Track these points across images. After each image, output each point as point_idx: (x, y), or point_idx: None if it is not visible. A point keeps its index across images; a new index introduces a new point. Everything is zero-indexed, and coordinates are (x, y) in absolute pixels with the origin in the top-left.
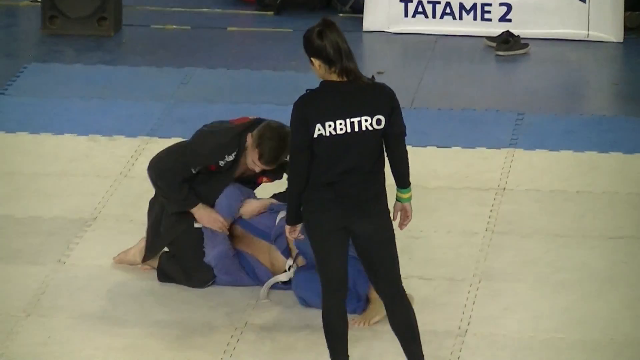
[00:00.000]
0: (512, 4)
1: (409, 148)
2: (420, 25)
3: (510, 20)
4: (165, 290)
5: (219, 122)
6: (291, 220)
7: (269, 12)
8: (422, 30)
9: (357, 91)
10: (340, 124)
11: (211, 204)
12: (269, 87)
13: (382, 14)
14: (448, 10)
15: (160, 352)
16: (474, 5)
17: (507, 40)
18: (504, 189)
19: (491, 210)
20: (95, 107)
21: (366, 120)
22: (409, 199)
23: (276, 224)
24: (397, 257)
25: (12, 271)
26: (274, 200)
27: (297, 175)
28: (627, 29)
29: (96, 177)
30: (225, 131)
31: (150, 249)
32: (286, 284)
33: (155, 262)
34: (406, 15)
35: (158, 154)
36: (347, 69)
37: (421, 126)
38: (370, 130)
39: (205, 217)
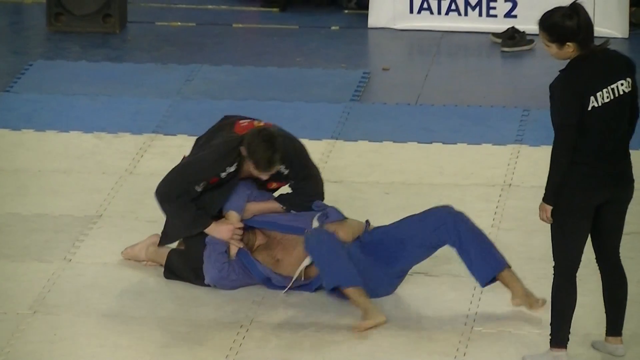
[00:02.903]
0: (517, 0)
1: (413, 145)
2: (426, 21)
3: (515, 17)
4: (171, 287)
5: (224, 125)
6: (552, 199)
7: (274, 9)
8: (427, 27)
9: (607, 59)
10: (607, 92)
11: (218, 211)
12: (275, 83)
13: (388, 10)
14: (453, 7)
15: (166, 350)
16: (480, 2)
17: (513, 36)
18: (510, 185)
19: (497, 207)
20: (100, 104)
21: (622, 84)
22: None
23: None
24: None
25: (18, 269)
26: (277, 205)
27: (567, 154)
28: (632, 25)
29: (102, 174)
30: (225, 142)
31: (169, 237)
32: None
33: (160, 259)
34: (411, 11)
35: (163, 178)
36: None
37: (426, 122)
38: (625, 94)
39: (219, 231)
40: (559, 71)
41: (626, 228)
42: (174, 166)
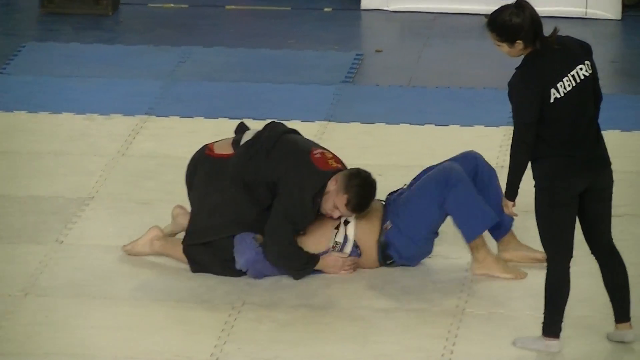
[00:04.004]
0: None
1: (406, 127)
2: (419, 3)
3: None
4: (163, 269)
5: (295, 151)
6: (514, 195)
7: None
8: (420, 8)
9: (561, 47)
10: (567, 80)
11: None
12: (267, 65)
13: None
14: None
15: (158, 331)
16: None
17: None
18: (502, 166)
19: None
20: (93, 86)
21: (581, 69)
22: None
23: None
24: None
25: (10, 251)
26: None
27: (529, 149)
28: (625, 7)
29: (94, 155)
30: (310, 174)
31: (197, 236)
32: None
33: (172, 252)
34: None
35: (266, 237)
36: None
37: (419, 104)
38: (586, 78)
39: (328, 265)
40: (515, 69)
41: (617, 210)
42: (273, 222)
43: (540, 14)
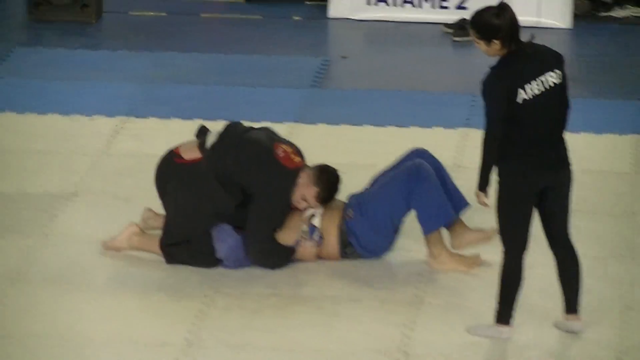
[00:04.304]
0: None
1: (369, 128)
2: (382, 12)
3: (466, 8)
4: (140, 262)
5: (262, 151)
6: (486, 185)
7: (240, 0)
8: (383, 17)
9: (535, 53)
10: (536, 84)
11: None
12: (240, 70)
13: (346, 1)
14: None
15: (136, 318)
16: None
17: (463, 27)
18: (459, 166)
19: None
20: (77, 89)
21: (551, 76)
22: None
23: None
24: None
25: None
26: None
27: (493, 146)
28: (576, 16)
29: (78, 154)
30: (280, 175)
31: (169, 237)
32: None
33: (149, 247)
34: (369, 3)
35: (247, 236)
36: (519, 40)
37: (382, 107)
38: (555, 85)
39: (303, 254)
40: (489, 68)
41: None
42: (253, 225)
43: None
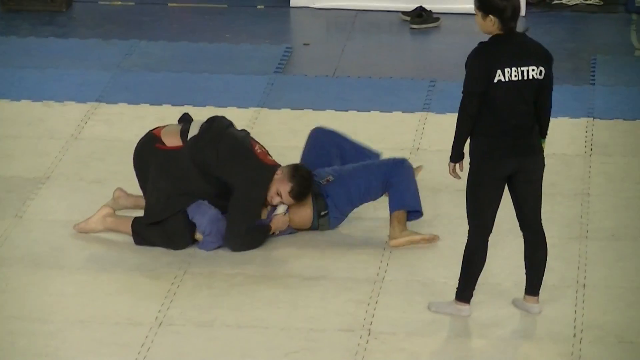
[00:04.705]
0: None
1: (331, 113)
2: (342, 1)
3: None
4: (111, 243)
5: (241, 147)
6: (457, 158)
7: None
8: (343, 6)
9: (523, 44)
10: (515, 71)
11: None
12: (206, 57)
13: None
14: None
15: (108, 298)
16: None
17: (421, 15)
18: (418, 149)
19: None
20: (49, 76)
21: (533, 70)
22: (544, 148)
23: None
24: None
25: None
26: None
27: (470, 118)
28: (529, 4)
29: (50, 139)
30: (265, 176)
31: (151, 217)
32: None
33: (122, 227)
34: None
35: (228, 228)
36: (513, 27)
37: (343, 93)
38: (535, 80)
39: (278, 227)
40: (478, 43)
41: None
42: (233, 216)
43: (452, 11)
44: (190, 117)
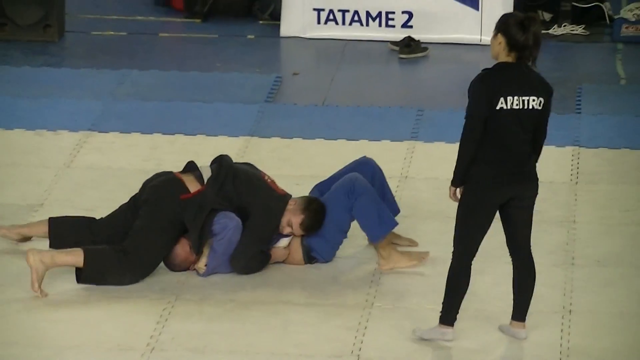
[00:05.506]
0: (413, 12)
1: (320, 141)
2: (332, 31)
3: (411, 27)
4: None
5: (255, 179)
6: (459, 182)
7: (196, 20)
8: (333, 36)
9: (526, 74)
10: (517, 100)
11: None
12: (197, 86)
13: (298, 21)
14: (356, 18)
15: (100, 323)
16: (379, 13)
17: (409, 44)
18: (406, 177)
19: (394, 196)
20: (41, 105)
21: (533, 100)
22: None
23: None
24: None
25: None
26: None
27: (472, 142)
28: None
29: (43, 167)
30: (273, 198)
31: (147, 257)
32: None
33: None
34: (319, 22)
35: (237, 248)
36: (527, 58)
37: (332, 121)
38: (535, 110)
39: (277, 257)
40: (482, 69)
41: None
42: (245, 240)
43: (440, 41)
44: (194, 163)
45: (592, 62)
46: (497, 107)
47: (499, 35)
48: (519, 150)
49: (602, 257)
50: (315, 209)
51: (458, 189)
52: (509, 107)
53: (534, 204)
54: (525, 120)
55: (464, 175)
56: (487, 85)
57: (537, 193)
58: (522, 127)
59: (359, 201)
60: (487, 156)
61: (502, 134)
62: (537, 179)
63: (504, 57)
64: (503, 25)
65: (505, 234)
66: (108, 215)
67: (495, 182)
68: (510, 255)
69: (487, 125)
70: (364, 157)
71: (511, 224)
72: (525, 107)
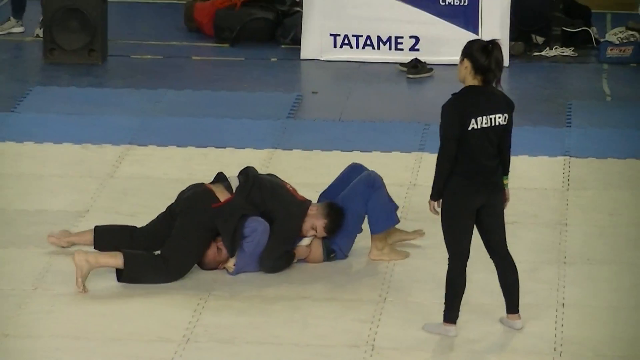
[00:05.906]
0: (419, 37)
1: (337, 153)
2: (347, 54)
3: (418, 50)
4: None
5: (279, 186)
6: (437, 196)
7: (225, 44)
8: (348, 58)
9: (492, 94)
10: (486, 119)
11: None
12: (226, 104)
13: (316, 45)
14: (368, 42)
15: (140, 317)
16: (389, 38)
17: (416, 66)
18: (414, 184)
19: (404, 202)
20: (87, 121)
21: (499, 117)
22: (507, 184)
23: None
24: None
25: (22, 254)
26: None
27: (448, 161)
28: (512, 56)
29: (88, 177)
30: (295, 204)
31: (183, 262)
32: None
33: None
34: (335, 46)
35: (265, 250)
36: (491, 80)
37: (348, 135)
38: (500, 125)
39: (300, 255)
40: (451, 94)
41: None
42: (272, 243)
43: (444, 62)
44: (223, 174)
45: (581, 81)
46: (469, 128)
47: (465, 60)
48: (488, 164)
49: (592, 256)
50: (336, 212)
51: (436, 203)
52: (479, 127)
53: (503, 210)
54: (492, 135)
55: (442, 190)
56: (459, 109)
57: (504, 201)
58: (490, 142)
59: (377, 193)
60: (461, 170)
61: (474, 150)
62: (503, 189)
63: (471, 80)
64: (468, 50)
65: (482, 238)
66: (147, 225)
67: (471, 192)
68: (490, 256)
69: (460, 144)
70: (354, 162)
71: (486, 231)
72: (493, 124)
